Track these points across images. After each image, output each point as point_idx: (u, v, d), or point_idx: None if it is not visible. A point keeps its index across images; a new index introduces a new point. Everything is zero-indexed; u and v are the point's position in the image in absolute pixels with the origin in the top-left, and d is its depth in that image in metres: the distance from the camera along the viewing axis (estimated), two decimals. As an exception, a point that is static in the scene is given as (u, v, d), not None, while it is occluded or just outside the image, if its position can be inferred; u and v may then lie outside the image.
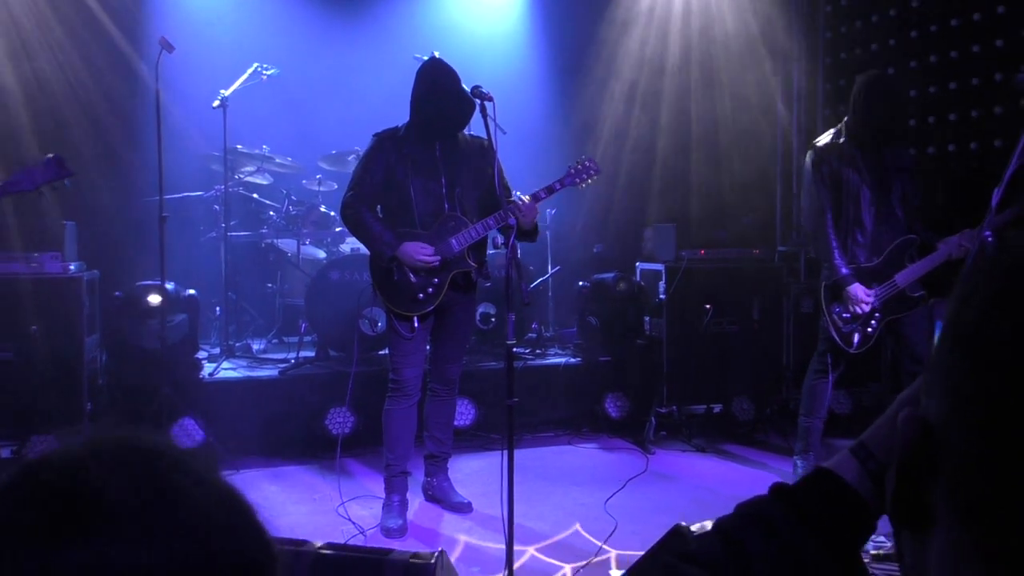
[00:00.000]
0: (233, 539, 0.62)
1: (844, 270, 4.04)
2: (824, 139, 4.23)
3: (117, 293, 4.90)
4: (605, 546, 3.63)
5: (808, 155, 4.24)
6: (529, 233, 3.77)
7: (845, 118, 4.17)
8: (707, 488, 4.49)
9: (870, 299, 4.01)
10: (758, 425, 5.46)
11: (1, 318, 4.36)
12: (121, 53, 6.26)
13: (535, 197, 3.71)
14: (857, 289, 4.01)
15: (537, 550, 3.65)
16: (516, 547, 3.16)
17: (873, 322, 4.07)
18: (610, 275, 5.78)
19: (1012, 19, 4.86)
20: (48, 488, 0.59)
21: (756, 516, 0.77)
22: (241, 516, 0.64)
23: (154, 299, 4.73)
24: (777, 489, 0.78)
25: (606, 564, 3.51)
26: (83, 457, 0.61)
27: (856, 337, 4.08)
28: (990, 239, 3.76)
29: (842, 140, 4.13)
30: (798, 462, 4.39)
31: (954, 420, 0.53)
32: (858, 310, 4.02)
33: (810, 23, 6.85)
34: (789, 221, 7.18)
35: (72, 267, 4.62)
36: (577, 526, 3.90)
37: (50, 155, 3.13)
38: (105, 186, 5.96)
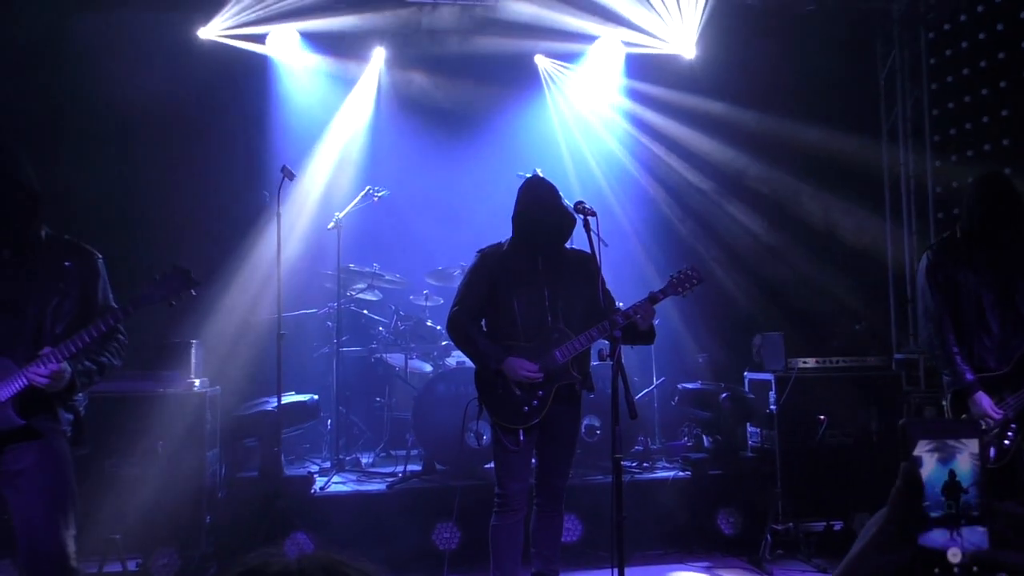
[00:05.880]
0: None
1: (968, 376, 3.80)
2: (938, 242, 4.11)
3: (267, 406, 5.09)
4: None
5: (922, 259, 4.10)
6: (646, 335, 3.78)
7: (959, 222, 4.05)
8: (831, 613, 4.22)
9: (998, 415, 3.75)
10: (884, 544, 5.12)
11: (131, 433, 4.59)
12: (245, 179, 6.61)
13: (652, 299, 3.72)
14: (983, 400, 3.75)
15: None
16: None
17: (1010, 433, 3.77)
18: (711, 386, 5.67)
19: None
20: None
21: None
22: None
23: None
24: None
25: None
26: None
27: (991, 451, 3.79)
28: None
29: (958, 240, 4.00)
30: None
31: None
32: (983, 424, 3.76)
33: (918, 137, 6.80)
34: (905, 327, 6.91)
35: (196, 384, 4.86)
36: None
37: (176, 266, 3.12)
38: (224, 304, 6.26)
